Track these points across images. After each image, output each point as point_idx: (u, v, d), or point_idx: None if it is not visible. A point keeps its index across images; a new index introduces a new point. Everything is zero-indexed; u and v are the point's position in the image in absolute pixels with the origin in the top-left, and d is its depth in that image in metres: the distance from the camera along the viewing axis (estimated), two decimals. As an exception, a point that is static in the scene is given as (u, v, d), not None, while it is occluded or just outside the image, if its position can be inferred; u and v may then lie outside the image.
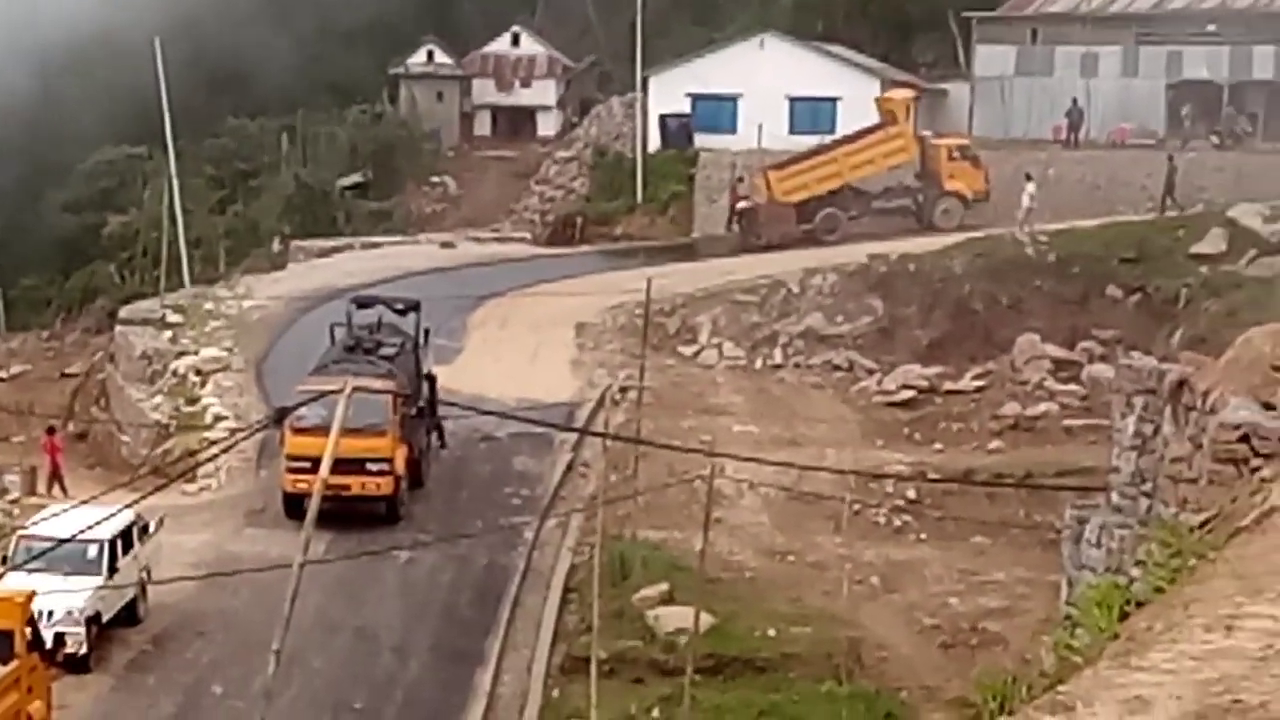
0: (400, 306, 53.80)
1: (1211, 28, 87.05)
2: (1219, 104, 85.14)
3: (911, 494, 50.42)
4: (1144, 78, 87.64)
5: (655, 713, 35.04)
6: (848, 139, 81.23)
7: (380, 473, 45.60)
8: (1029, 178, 73.93)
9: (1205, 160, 78.29)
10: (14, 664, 32.37)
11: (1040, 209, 73.79)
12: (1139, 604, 14.38)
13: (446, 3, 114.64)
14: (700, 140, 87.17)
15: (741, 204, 79.48)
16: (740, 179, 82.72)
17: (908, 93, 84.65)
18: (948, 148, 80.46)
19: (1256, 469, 17.40)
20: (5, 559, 40.68)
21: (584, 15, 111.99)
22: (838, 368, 62.92)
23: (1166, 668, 11.32)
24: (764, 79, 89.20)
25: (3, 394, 74.63)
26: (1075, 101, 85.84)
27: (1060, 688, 11.61)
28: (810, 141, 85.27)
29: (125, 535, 40.48)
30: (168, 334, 67.02)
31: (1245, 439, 17.82)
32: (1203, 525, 16.92)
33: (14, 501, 52.13)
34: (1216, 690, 10.61)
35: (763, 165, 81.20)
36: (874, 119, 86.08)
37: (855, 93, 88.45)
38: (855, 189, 78.49)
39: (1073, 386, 58.53)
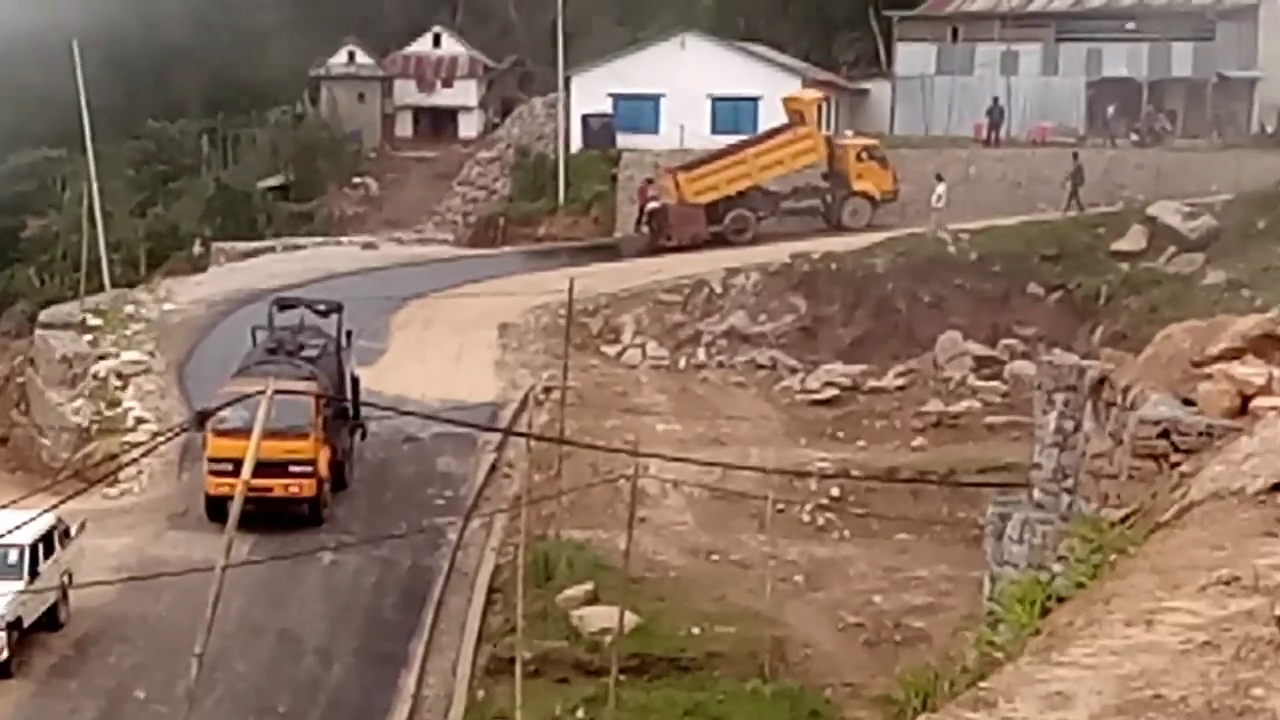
0: (322, 308, 53.65)
1: (1130, 25, 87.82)
2: (1139, 101, 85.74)
3: (835, 492, 50.51)
4: (1064, 76, 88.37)
5: (580, 713, 35.09)
6: (756, 139, 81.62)
7: (303, 475, 45.61)
8: (939, 178, 74.44)
9: (1126, 158, 78.89)
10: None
11: (962, 207, 74.15)
12: (1060, 599, 14.42)
13: (366, 3, 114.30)
14: (623, 140, 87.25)
15: (651, 205, 79.30)
16: (649, 180, 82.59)
17: (816, 93, 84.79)
18: (856, 148, 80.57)
19: (1176, 464, 17.47)
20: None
21: (505, 15, 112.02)
22: (761, 366, 63.04)
23: (1087, 663, 11.36)
24: (685, 79, 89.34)
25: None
26: (995, 100, 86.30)
27: (982, 684, 11.62)
28: (733, 141, 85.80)
29: (46, 539, 40.45)
30: (88, 337, 66.65)
31: (1165, 435, 17.89)
32: (1123, 520, 16.98)
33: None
34: (1137, 685, 10.65)
35: (670, 166, 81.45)
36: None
37: (777, 92, 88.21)
38: (764, 190, 78.69)
39: (995, 384, 58.81)
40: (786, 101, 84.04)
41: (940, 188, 73.70)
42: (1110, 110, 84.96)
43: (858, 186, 78.72)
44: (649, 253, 75.90)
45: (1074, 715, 10.35)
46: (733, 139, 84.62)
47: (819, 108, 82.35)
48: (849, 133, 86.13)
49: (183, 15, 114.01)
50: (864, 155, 79.78)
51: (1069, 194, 74.16)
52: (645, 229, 79.49)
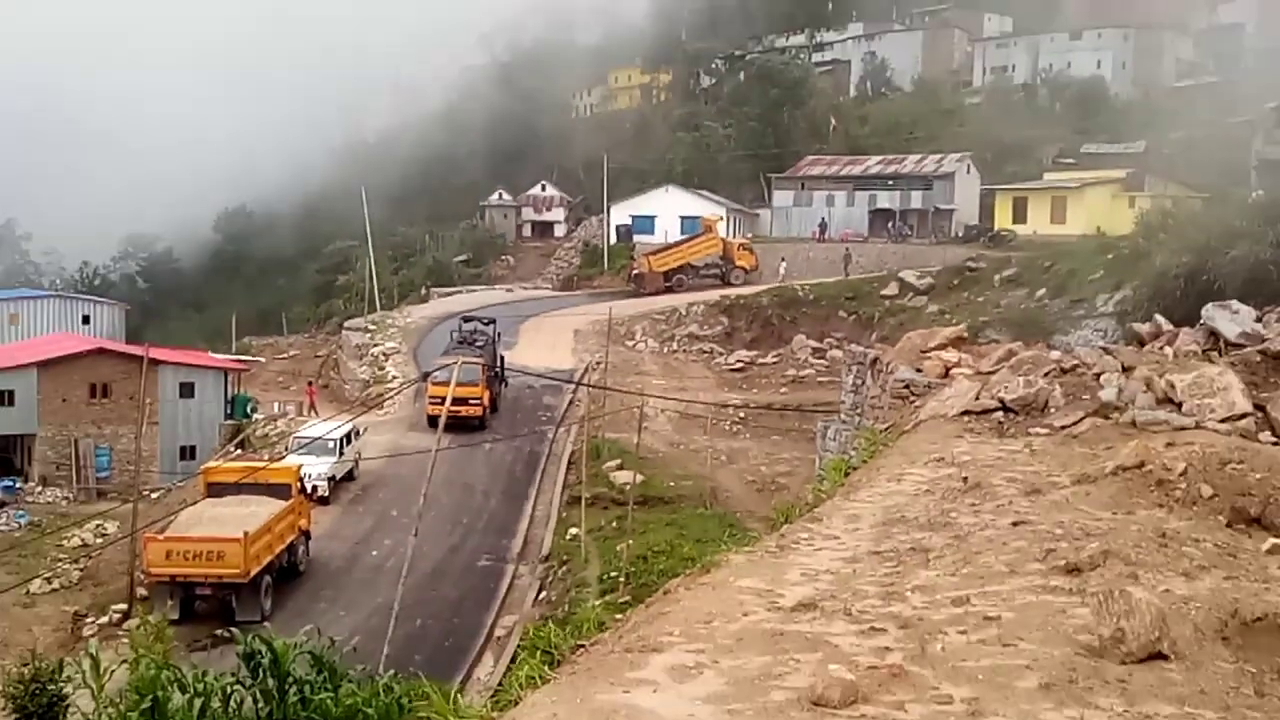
0: (486, 320, 53.90)
1: (890, 182, 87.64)
2: (895, 220, 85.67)
3: (741, 415, 50.53)
4: (857, 206, 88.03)
5: (614, 524, 35.11)
6: (686, 240, 79.99)
7: (476, 404, 45.58)
8: (783, 259, 74.60)
9: (888, 249, 78.54)
10: (291, 500, 32.54)
11: (805, 272, 74.19)
12: (854, 469, 14.41)
13: (510, 167, 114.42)
14: (636, 238, 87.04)
15: (636, 272, 77.84)
16: (632, 258, 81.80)
17: (719, 216, 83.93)
18: (737, 243, 79.11)
19: (912, 401, 17.47)
20: (287, 448, 40.86)
21: (577, 175, 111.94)
22: (705, 352, 62.94)
23: (868, 500, 11.39)
24: (668, 207, 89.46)
25: (285, 365, 74.74)
26: (823, 219, 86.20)
27: (814, 511, 11.67)
28: (676, 239, 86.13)
29: (348, 436, 40.80)
30: (368, 335, 66.78)
31: (907, 387, 17.89)
32: (885, 430, 16.96)
33: (291, 419, 52.17)
34: (892, 511, 10.69)
35: (644, 254, 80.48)
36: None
37: (712, 214, 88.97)
38: (691, 264, 76.85)
39: (822, 362, 58.70)
40: (702, 220, 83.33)
41: (783, 265, 73.74)
42: (891, 225, 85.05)
43: (739, 262, 76.91)
44: (639, 295, 74.48)
45: (861, 526, 10.39)
46: (683, 237, 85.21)
47: (720, 223, 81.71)
48: (746, 235, 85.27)
49: (417, 175, 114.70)
50: (740, 247, 78.30)
51: (844, 266, 73.71)
52: (631, 284, 77.90)
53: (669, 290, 74.02)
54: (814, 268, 76.25)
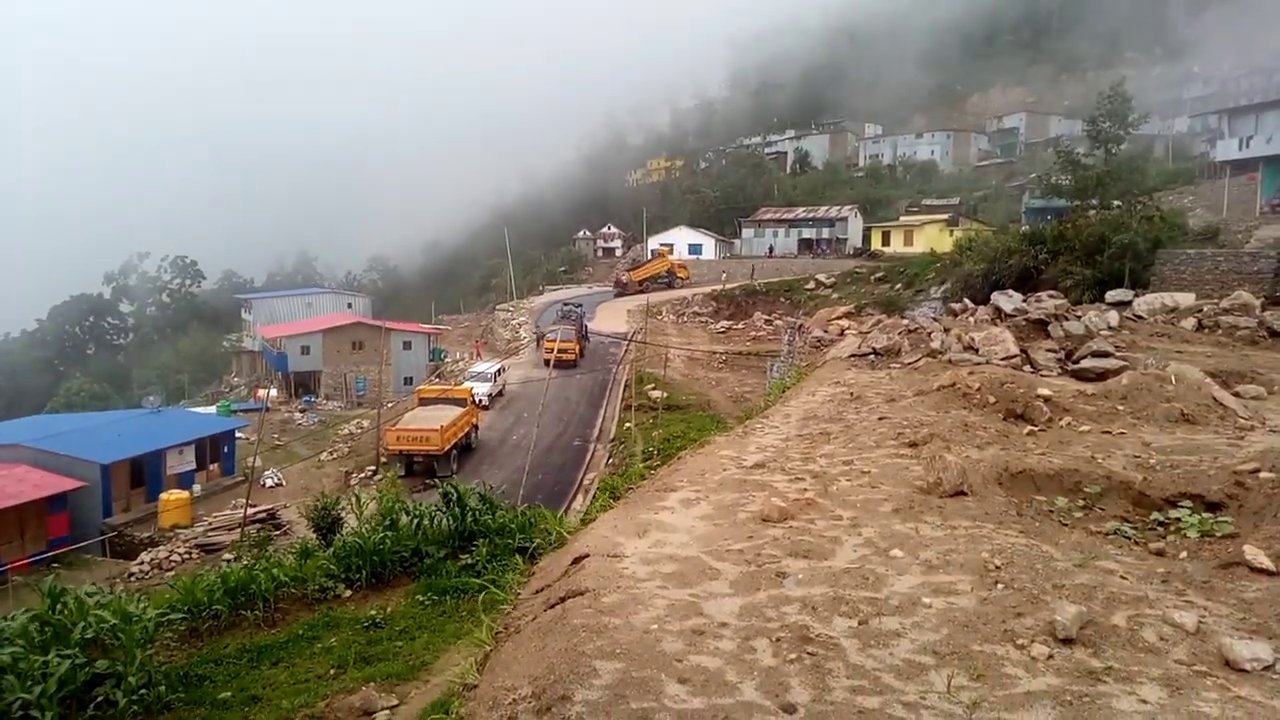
0: (578, 304, 53.60)
1: (811, 222, 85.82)
2: (813, 244, 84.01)
3: (724, 358, 50.16)
4: (790, 237, 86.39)
5: (651, 421, 35.02)
6: (649, 262, 76.76)
7: (571, 353, 44.98)
8: (724, 272, 70.76)
9: (811, 262, 76.54)
10: (468, 408, 32.68)
11: (765, 274, 72.78)
12: (787, 389, 14.34)
13: (589, 216, 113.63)
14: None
15: (622, 280, 74.06)
16: (618, 276, 78.79)
17: (667, 248, 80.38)
18: (678, 262, 75.86)
19: (822, 350, 17.26)
20: (464, 377, 40.86)
21: (628, 220, 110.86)
22: (703, 321, 62.12)
23: (795, 405, 11.33)
24: (681, 238, 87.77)
25: (463, 331, 74.15)
26: (771, 245, 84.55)
27: (764, 412, 11.65)
28: (693, 258, 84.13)
29: (499, 371, 40.64)
30: (509, 312, 66.66)
31: (819, 340, 17.68)
32: (805, 367, 16.77)
33: (466, 361, 52.18)
34: (810, 412, 10.66)
35: (625, 268, 78.31)
36: (712, 250, 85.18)
37: (707, 242, 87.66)
38: (653, 276, 73.80)
39: (771, 327, 57.65)
40: (656, 251, 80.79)
41: (724, 274, 70.32)
42: (812, 246, 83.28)
43: (679, 274, 73.96)
44: (622, 295, 70.89)
45: (791, 420, 10.36)
46: (693, 256, 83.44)
47: (670, 250, 78.68)
48: (717, 256, 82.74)
49: (536, 220, 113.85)
50: (679, 265, 75.24)
51: (751, 274, 70.83)
52: (616, 288, 74.54)
53: (641, 291, 70.97)
54: (767, 272, 75.23)
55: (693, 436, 25.79)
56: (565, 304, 54.72)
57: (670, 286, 74.09)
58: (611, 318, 60.99)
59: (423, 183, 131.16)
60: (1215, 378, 9.95)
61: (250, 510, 27.24)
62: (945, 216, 76.33)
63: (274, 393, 53.14)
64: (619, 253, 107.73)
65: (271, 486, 32.83)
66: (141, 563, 26.27)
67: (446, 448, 29.99)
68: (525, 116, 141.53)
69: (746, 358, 48.94)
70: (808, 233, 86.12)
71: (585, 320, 52.23)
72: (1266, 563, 5.19)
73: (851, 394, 11.14)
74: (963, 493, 6.61)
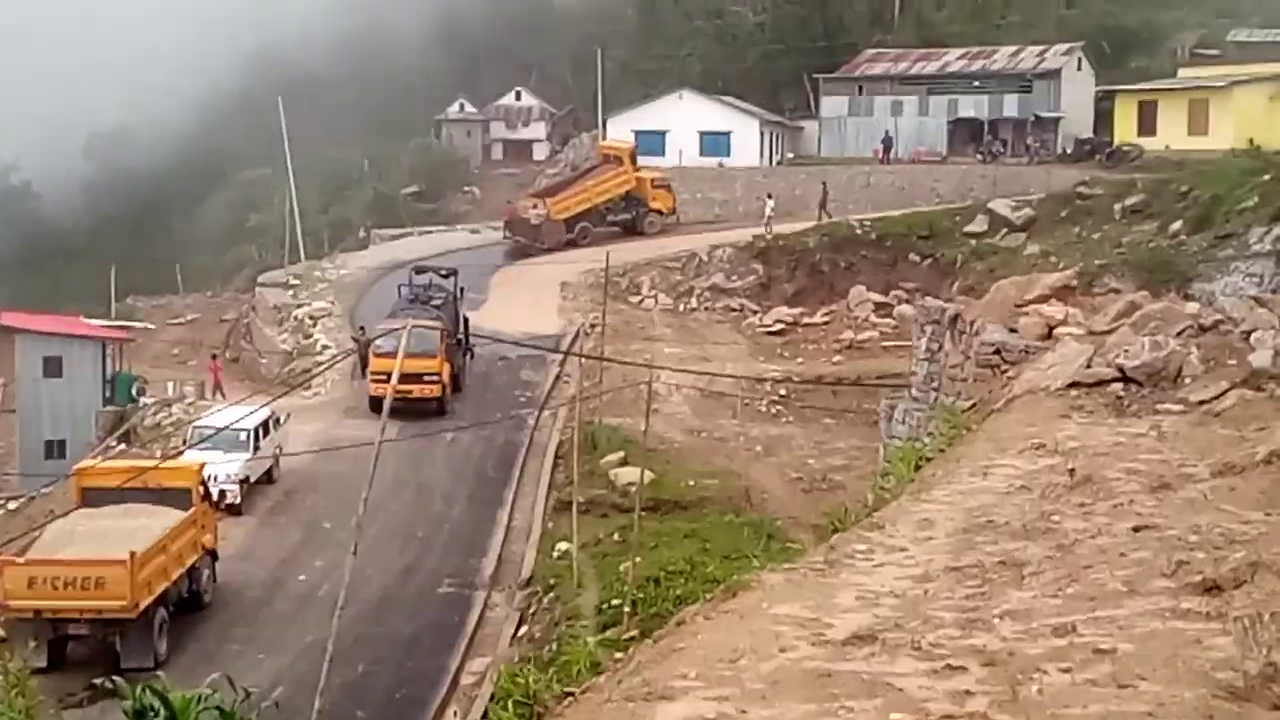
0: (444, 272, 53.86)
1: (976, 83, 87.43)
2: (982, 133, 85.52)
3: (782, 391, 50.61)
4: (932, 116, 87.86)
5: (615, 537, 35.06)
6: (587, 173, 79.19)
7: (433, 382, 45.82)
8: (769, 195, 72.52)
9: (974, 171, 78.56)
10: (192, 510, 32.55)
11: (864, 204, 74.15)
12: (928, 460, 14.46)
13: (471, 70, 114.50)
14: (641, 161, 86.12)
15: (522, 218, 74.72)
16: (510, 202, 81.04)
17: (629, 144, 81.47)
18: (650, 179, 77.81)
19: (1004, 371, 17.50)
20: (185, 442, 40.98)
21: (564, 79, 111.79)
22: (733, 309, 63.11)
23: (944, 500, 11.43)
24: (682, 120, 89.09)
25: (181, 333, 75.07)
26: (887, 133, 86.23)
27: (875, 515, 11.70)
28: (713, 162, 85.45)
29: (264, 425, 41.01)
30: (290, 293, 66.99)
31: (997, 352, 17.92)
32: (970, 408, 17.01)
33: (190, 404, 52.22)
34: (977, 514, 10.73)
35: (529, 192, 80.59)
36: (755, 146, 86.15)
37: (742, 128, 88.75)
38: (595, 207, 75.32)
39: (887, 320, 58.91)
40: (602, 149, 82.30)
41: (771, 201, 71.50)
42: (993, 141, 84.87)
43: (652, 204, 76.18)
44: (529, 252, 72.46)
45: (935, 534, 10.44)
46: (712, 161, 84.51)
47: (632, 153, 79.16)
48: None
49: (349, 77, 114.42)
50: (654, 184, 77.18)
51: (820, 208, 72.76)
52: (512, 236, 75.62)
53: (571, 244, 72.96)
54: (876, 197, 76.10)
55: (713, 574, 25.77)
56: (419, 270, 54.86)
57: (635, 230, 75.83)
58: (526, 300, 61.80)
59: (85, 12, 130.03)
60: None
61: None
62: None
63: None
64: (542, 151, 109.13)
65: None
66: None
67: (143, 604, 29.77)
68: None
69: (835, 391, 49.24)
70: (970, 105, 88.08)
71: (463, 308, 52.48)
72: None
73: (1072, 472, 11.25)
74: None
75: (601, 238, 72.67)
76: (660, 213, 76.87)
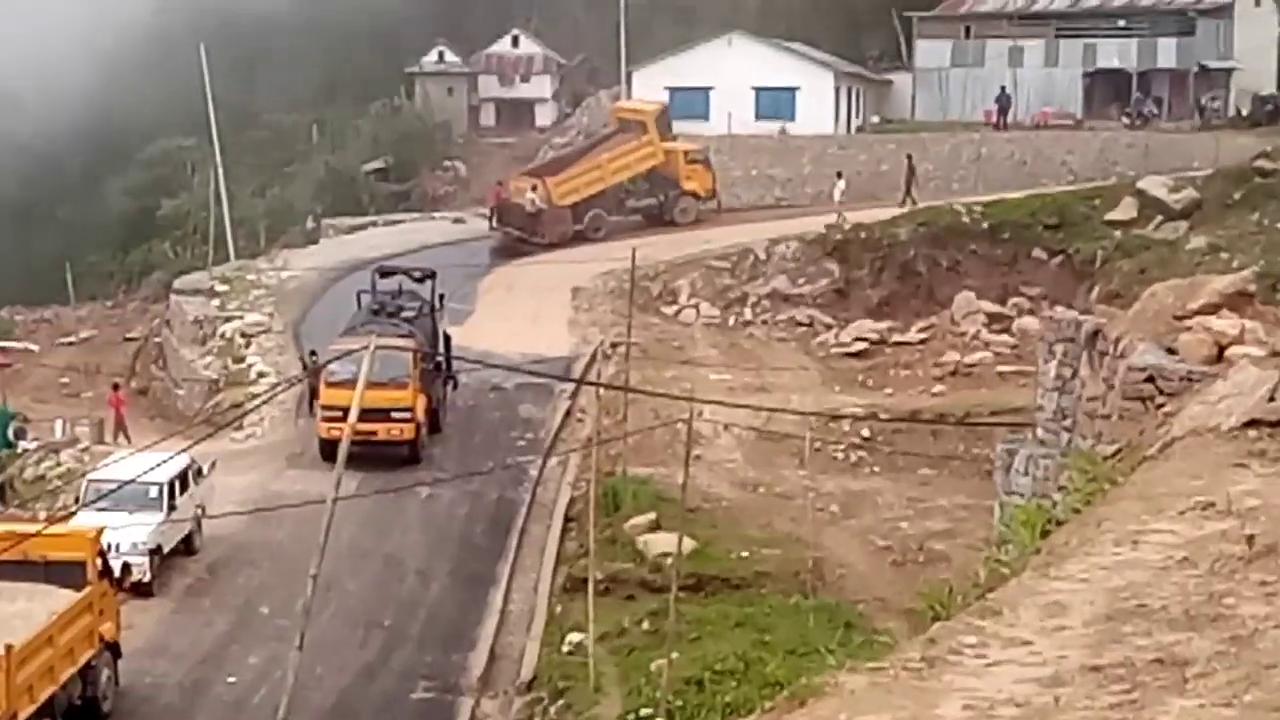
0: (418, 275, 53.83)
1: (1121, 23, 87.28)
2: (1129, 89, 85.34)
3: (865, 432, 50.51)
4: (1063, 67, 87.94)
5: (645, 625, 35.11)
6: (599, 143, 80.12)
7: (403, 420, 45.79)
8: (840, 175, 73.44)
9: (1118, 138, 78.59)
10: (87, 590, 32.53)
11: (974, 182, 74.15)
12: (1059, 523, 14.45)
13: (454, 8, 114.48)
14: (677, 127, 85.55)
15: (530, 206, 74.53)
16: (499, 182, 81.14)
17: (656, 105, 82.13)
18: (684, 153, 78.62)
19: (1160, 405, 17.48)
20: (77, 499, 41.00)
21: (575, 18, 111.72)
22: (800, 324, 63.02)
23: (1081, 577, 11.42)
24: (732, 72, 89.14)
25: (72, 356, 74.91)
26: (1004, 89, 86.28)
27: (990, 596, 11.71)
28: (773, 127, 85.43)
29: (182, 477, 40.84)
30: (216, 302, 67.11)
31: (1151, 379, 17.91)
32: (1114, 455, 16.99)
33: (84, 450, 52.23)
34: (1124, 596, 10.72)
35: (524, 170, 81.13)
36: (829, 107, 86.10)
37: (811, 83, 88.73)
38: (611, 189, 76.09)
39: (1004, 337, 58.75)
40: (617, 110, 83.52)
41: (840, 183, 72.53)
42: (1144, 104, 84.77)
43: (686, 186, 77.03)
44: (526, 248, 73.41)
45: (1069, 623, 10.43)
46: (773, 125, 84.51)
47: (659, 117, 79.72)
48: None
49: (294, 19, 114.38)
50: (689, 159, 78.04)
51: (905, 188, 73.58)
52: (499, 227, 76.64)
53: (580, 237, 73.83)
54: (989, 172, 75.99)
55: (772, 672, 25.79)
56: (384, 274, 54.83)
57: (663, 218, 76.59)
58: (526, 311, 62.02)
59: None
60: None
61: None
62: None
63: None
64: (548, 115, 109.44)
65: None
66: None
67: (23, 714, 29.80)
68: None
69: (935, 431, 48.96)
70: (1113, 53, 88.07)
71: (442, 322, 52.56)
72: None
73: (1251, 541, 11.24)
74: None
75: (620, 230, 73.45)
76: (696, 196, 77.56)
